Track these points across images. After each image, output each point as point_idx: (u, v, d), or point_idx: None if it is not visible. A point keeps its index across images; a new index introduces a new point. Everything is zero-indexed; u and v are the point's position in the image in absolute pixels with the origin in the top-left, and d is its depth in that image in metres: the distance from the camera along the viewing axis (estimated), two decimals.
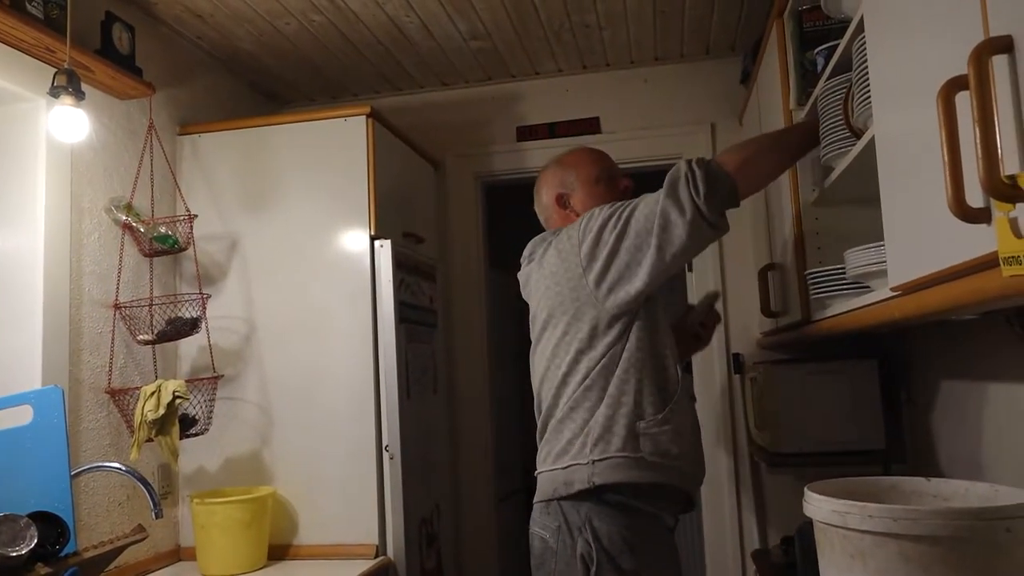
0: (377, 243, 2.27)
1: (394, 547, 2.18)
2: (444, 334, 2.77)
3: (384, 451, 2.21)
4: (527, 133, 3.00)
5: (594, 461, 1.50)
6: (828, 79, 1.55)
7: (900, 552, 1.00)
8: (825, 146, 1.57)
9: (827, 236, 1.78)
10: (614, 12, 2.48)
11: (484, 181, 3.06)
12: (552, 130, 2.99)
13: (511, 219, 2.66)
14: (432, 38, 2.61)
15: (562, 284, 1.60)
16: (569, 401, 1.57)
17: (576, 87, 2.99)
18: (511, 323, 3.36)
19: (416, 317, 2.43)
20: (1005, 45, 0.69)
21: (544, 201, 1.81)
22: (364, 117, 2.32)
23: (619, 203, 1.58)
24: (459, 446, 2.92)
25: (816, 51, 1.72)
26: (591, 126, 2.97)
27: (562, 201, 1.76)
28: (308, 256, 2.32)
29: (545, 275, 1.65)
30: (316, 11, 2.37)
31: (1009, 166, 0.69)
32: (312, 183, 2.34)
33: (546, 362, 1.64)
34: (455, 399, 2.92)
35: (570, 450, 1.54)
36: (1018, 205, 0.68)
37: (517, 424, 3.44)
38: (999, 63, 0.70)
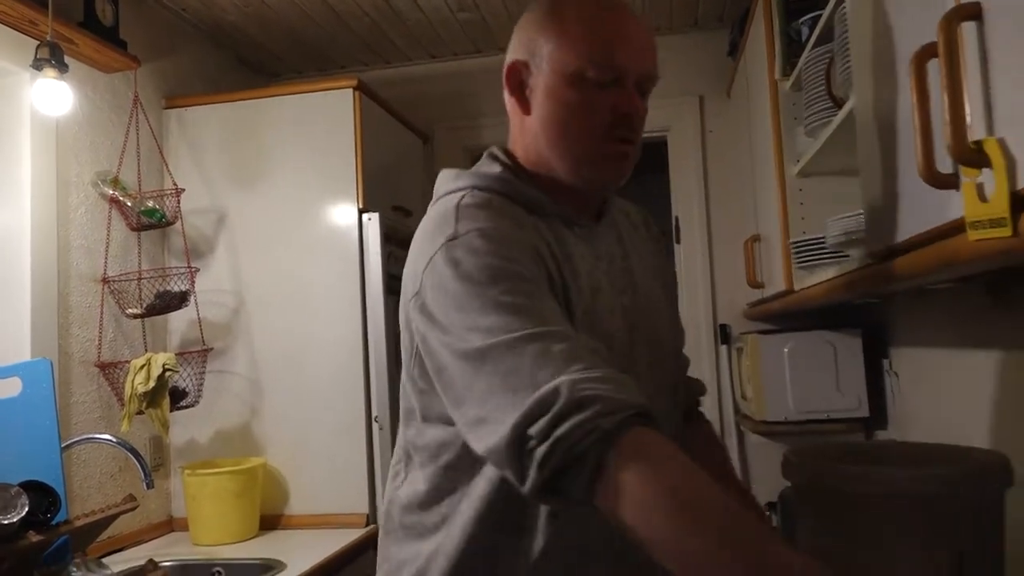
0: (365, 216, 2.27)
1: None
2: None
3: (374, 422, 2.23)
4: None
5: None
6: (812, 49, 1.56)
7: (876, 513, 1.03)
8: (808, 116, 1.58)
9: (811, 206, 1.80)
10: None
11: (474, 154, 3.06)
12: None
13: None
14: (419, 10, 2.59)
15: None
16: None
17: None
18: None
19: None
20: (974, 12, 0.70)
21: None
22: (351, 90, 2.32)
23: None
24: None
25: (801, 21, 1.72)
26: None
27: (514, 77, 1.00)
28: (296, 229, 2.32)
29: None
30: None
31: (976, 132, 0.70)
32: (300, 156, 2.34)
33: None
34: None
35: None
36: (984, 170, 0.69)
37: None
38: (968, 30, 0.71)
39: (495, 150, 1.05)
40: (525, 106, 0.99)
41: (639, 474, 0.71)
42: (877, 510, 1.01)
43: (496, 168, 1.00)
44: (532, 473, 0.75)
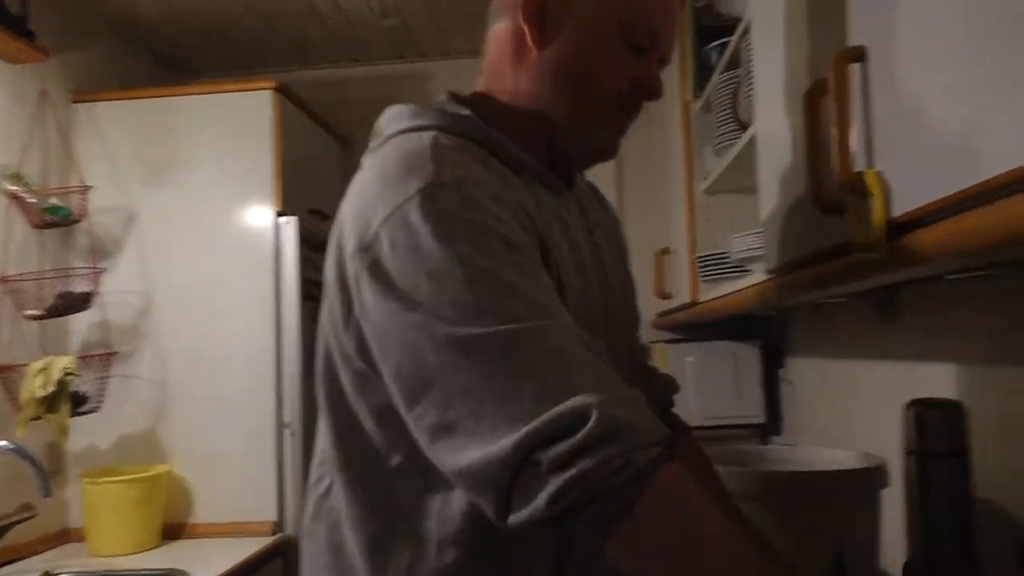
0: (282, 220, 2.25)
1: (293, 524, 2.19)
2: None
3: (284, 429, 2.20)
4: None
5: None
6: (720, 74, 1.64)
7: (761, 511, 1.09)
8: (716, 136, 1.66)
9: (718, 222, 1.89)
10: None
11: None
12: None
13: None
14: (342, 13, 2.58)
15: None
16: None
17: None
18: None
19: (319, 294, 2.42)
20: (860, 55, 0.77)
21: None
22: (271, 91, 2.29)
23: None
24: None
25: (711, 46, 1.81)
26: None
27: (530, 6, 0.83)
28: (209, 231, 2.28)
29: None
30: None
31: (859, 163, 0.77)
32: (215, 157, 2.29)
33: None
34: None
35: None
36: (865, 198, 0.76)
37: None
38: (854, 70, 0.78)
39: (456, 93, 0.87)
40: (542, 38, 0.83)
41: (672, 523, 0.62)
42: (761, 509, 1.08)
43: (464, 111, 0.83)
44: (537, 505, 0.60)
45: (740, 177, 1.63)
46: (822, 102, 0.85)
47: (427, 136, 0.76)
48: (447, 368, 0.65)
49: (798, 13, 1.02)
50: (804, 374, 2.05)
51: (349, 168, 2.96)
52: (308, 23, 2.64)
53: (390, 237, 0.69)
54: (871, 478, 1.18)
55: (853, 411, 1.65)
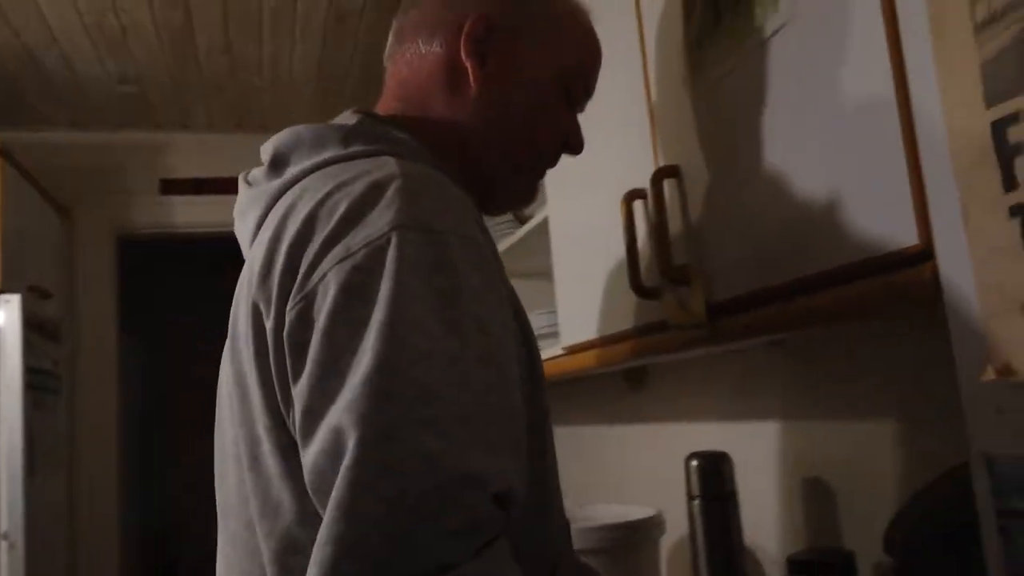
0: (3, 297, 1.97)
1: None
2: (68, 403, 2.46)
3: (2, 540, 1.88)
4: (172, 187, 2.86)
5: None
6: None
7: None
8: (496, 225, 1.83)
9: None
10: (281, 78, 2.53)
11: (120, 235, 2.82)
12: (199, 186, 2.89)
13: (153, 278, 2.50)
14: (73, 74, 2.38)
15: None
16: None
17: (230, 145, 2.94)
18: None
19: (40, 383, 2.14)
20: (674, 172, 0.95)
21: (427, 15, 0.80)
22: None
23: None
24: (83, 531, 2.57)
25: None
26: None
27: (481, 33, 0.76)
28: None
29: None
30: None
31: (679, 257, 0.94)
32: None
33: None
34: (78, 476, 2.59)
35: None
36: (683, 287, 0.94)
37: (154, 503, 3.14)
38: (670, 184, 0.96)
39: (368, 112, 0.75)
40: (484, 77, 0.76)
41: None
42: None
43: (403, 135, 0.72)
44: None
45: (517, 262, 1.80)
46: (636, 205, 1.02)
47: (392, 164, 0.63)
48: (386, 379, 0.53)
49: (607, 129, 1.21)
50: (566, 441, 2.25)
51: (71, 242, 2.70)
52: (28, 79, 2.39)
53: (373, 261, 0.56)
54: (652, 528, 1.37)
55: (618, 470, 1.86)
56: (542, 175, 0.84)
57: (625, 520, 1.40)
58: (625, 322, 1.10)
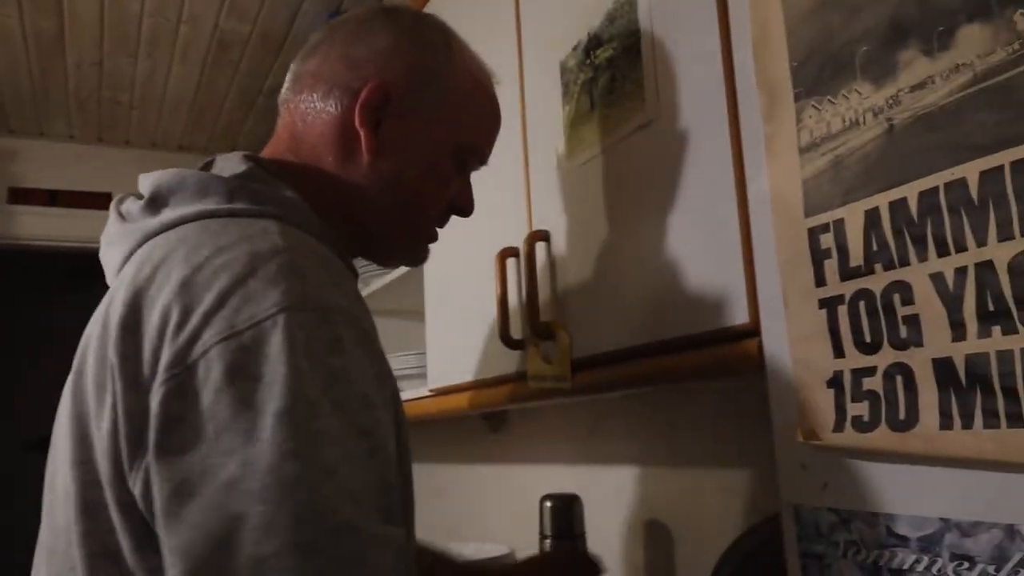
0: None
1: None
2: None
3: None
4: (22, 196, 2.69)
5: None
6: None
7: None
8: (363, 267, 1.86)
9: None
10: (152, 97, 2.46)
11: None
12: (53, 197, 2.74)
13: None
14: None
15: None
16: None
17: (88, 156, 2.81)
18: None
19: None
20: (545, 236, 1.04)
21: (325, 70, 0.79)
22: None
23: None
24: None
25: None
26: (100, 202, 2.81)
27: (378, 103, 0.76)
28: None
29: None
30: None
31: (544, 314, 1.03)
32: None
33: None
34: None
35: None
36: (547, 342, 1.02)
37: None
38: (540, 247, 1.05)
39: (255, 157, 0.75)
40: (378, 147, 0.76)
41: None
42: None
43: (290, 194, 0.71)
44: None
45: (386, 302, 1.84)
46: (509, 262, 1.10)
47: (275, 234, 0.62)
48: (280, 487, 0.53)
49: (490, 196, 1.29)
50: (427, 479, 2.28)
51: None
52: None
53: (257, 339, 0.55)
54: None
55: (476, 509, 1.91)
56: (434, 238, 0.85)
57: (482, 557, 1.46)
58: (492, 370, 1.17)
